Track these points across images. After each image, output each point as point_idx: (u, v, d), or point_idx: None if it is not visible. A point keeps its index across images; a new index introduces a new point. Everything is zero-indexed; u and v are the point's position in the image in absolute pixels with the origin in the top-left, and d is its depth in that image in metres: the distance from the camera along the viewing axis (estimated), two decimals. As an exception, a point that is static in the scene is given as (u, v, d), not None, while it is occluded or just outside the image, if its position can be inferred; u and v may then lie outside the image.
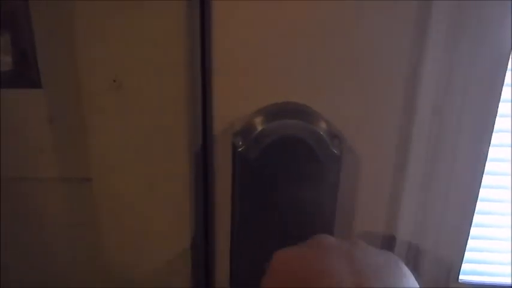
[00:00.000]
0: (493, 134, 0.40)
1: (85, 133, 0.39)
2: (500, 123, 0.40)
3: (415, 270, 0.44)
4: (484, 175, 0.41)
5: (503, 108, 0.39)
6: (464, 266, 0.45)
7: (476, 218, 0.43)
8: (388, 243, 0.44)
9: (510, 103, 0.40)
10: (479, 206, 0.42)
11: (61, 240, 0.45)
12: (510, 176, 0.42)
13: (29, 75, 0.39)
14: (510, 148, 0.41)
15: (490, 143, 0.40)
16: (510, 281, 0.46)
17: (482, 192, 0.42)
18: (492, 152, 0.41)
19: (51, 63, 0.38)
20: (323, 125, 0.39)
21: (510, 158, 0.42)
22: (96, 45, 0.36)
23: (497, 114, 0.39)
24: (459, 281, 0.45)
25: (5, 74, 0.39)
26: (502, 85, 0.38)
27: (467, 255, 0.44)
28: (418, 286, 0.23)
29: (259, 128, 0.38)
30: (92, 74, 0.37)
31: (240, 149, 0.38)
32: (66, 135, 0.40)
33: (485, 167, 0.41)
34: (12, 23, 0.38)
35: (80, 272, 0.47)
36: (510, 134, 0.41)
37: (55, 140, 0.40)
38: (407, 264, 0.47)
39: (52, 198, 0.43)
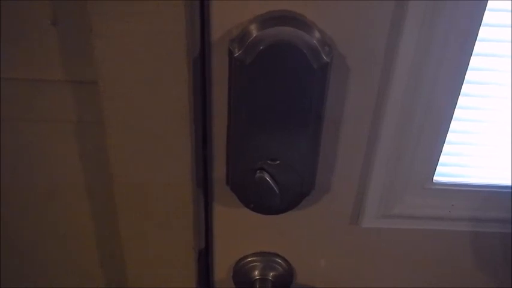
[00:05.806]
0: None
1: (89, 36, 0.40)
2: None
3: (395, 173, 0.49)
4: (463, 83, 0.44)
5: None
6: (438, 169, 0.49)
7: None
8: (371, 146, 0.48)
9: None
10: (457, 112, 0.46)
11: (67, 139, 0.49)
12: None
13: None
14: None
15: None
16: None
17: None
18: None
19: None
20: (316, 33, 0.41)
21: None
22: None
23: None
24: (433, 181, 0.50)
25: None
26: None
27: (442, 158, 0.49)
28: None
29: (255, 34, 0.40)
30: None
31: (236, 55, 0.40)
32: (70, 38, 0.42)
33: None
34: None
35: (86, 174, 0.51)
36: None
37: (60, 42, 0.42)
38: (387, 165, 0.51)
39: (57, 99, 0.46)
